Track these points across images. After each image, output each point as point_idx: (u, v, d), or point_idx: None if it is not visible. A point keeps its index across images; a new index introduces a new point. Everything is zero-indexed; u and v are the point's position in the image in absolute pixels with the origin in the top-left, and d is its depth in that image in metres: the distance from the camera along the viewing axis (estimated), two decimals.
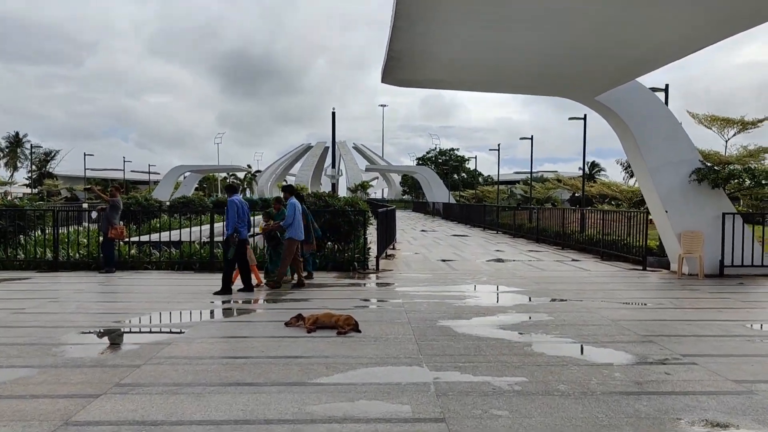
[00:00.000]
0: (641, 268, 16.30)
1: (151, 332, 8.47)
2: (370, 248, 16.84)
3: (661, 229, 15.75)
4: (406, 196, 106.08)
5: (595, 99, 15.02)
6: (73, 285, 12.79)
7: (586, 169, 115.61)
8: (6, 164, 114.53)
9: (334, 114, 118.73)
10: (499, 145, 49.13)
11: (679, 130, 15.23)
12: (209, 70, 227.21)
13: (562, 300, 11.20)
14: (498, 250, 22.01)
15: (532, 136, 35.59)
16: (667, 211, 15.00)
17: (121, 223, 15.65)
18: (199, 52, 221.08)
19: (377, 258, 15.91)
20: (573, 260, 18.56)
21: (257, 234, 12.35)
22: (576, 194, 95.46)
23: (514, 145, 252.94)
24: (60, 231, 17.20)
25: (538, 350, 7.44)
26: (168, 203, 37.55)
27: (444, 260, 18.39)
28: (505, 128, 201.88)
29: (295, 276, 12.97)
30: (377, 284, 13.29)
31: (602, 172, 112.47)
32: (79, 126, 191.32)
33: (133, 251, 15.67)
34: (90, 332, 8.29)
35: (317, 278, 13.83)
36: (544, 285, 13.08)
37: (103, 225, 14.75)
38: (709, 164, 14.90)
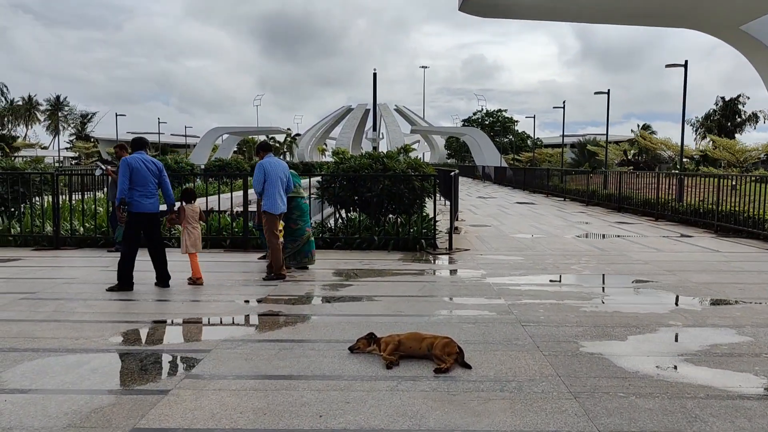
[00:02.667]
0: None
1: (145, 363, 5.49)
2: (437, 221, 13.73)
3: None
4: (450, 160, 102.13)
5: (740, 28, 11.43)
6: (68, 270, 9.99)
7: (638, 131, 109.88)
8: (47, 128, 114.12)
9: (375, 75, 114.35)
10: (564, 102, 44.73)
11: None
12: (248, 32, 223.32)
13: (730, 302, 7.91)
14: (582, 222, 18.65)
15: (608, 90, 31.37)
16: None
17: None
18: (238, 14, 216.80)
19: (450, 234, 12.73)
20: (682, 236, 15.12)
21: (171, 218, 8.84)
22: (624, 157, 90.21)
23: (556, 109, 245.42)
24: (70, 199, 14.48)
25: None
26: (202, 167, 34.85)
27: (524, 235, 15.16)
28: (548, 91, 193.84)
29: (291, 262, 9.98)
30: (458, 272, 10.17)
31: (654, 135, 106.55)
32: (120, 90, 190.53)
33: None
34: (52, 362, 5.37)
35: (378, 263, 10.78)
36: (681, 275, 9.78)
37: (110, 193, 11.92)
38: None
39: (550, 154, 67.16)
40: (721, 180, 16.52)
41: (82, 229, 12.71)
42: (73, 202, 14.20)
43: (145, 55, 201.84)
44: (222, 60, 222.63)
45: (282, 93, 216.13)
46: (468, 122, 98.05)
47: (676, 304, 7.84)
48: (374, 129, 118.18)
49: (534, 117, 58.47)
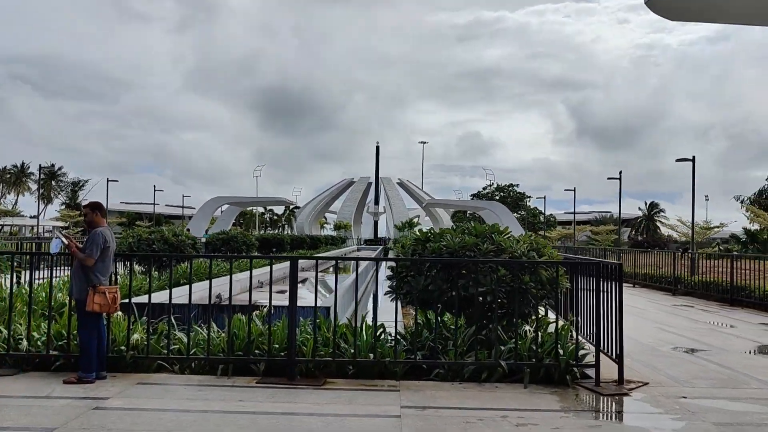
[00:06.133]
0: None
1: None
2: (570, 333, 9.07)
3: None
4: None
5: None
6: None
7: (645, 210, 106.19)
8: (41, 196, 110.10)
9: (378, 148, 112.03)
10: (620, 172, 40.54)
11: None
12: (246, 105, 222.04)
13: None
14: (715, 323, 14.00)
15: (693, 157, 26.95)
16: None
17: (113, 279, 8.23)
18: (237, 88, 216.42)
19: (619, 362, 7.90)
20: None
21: None
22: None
23: (548, 186, 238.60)
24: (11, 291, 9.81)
25: None
26: (203, 239, 30.13)
27: (682, 346, 10.50)
28: (542, 169, 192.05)
29: None
30: None
31: (661, 213, 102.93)
32: (116, 160, 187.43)
33: (137, 334, 8.01)
34: None
35: (530, 420, 6.06)
36: None
37: (76, 286, 7.27)
38: None
39: (596, 231, 62.99)
40: None
41: (38, 341, 7.91)
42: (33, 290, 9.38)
43: (142, 127, 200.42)
44: (219, 133, 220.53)
45: (279, 166, 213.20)
46: (477, 196, 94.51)
47: None
48: (376, 202, 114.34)
49: (574, 190, 54.36)
